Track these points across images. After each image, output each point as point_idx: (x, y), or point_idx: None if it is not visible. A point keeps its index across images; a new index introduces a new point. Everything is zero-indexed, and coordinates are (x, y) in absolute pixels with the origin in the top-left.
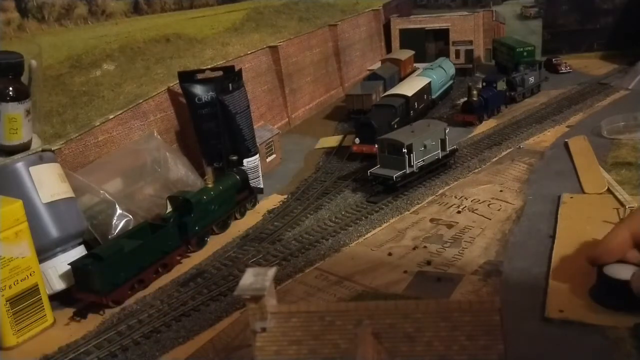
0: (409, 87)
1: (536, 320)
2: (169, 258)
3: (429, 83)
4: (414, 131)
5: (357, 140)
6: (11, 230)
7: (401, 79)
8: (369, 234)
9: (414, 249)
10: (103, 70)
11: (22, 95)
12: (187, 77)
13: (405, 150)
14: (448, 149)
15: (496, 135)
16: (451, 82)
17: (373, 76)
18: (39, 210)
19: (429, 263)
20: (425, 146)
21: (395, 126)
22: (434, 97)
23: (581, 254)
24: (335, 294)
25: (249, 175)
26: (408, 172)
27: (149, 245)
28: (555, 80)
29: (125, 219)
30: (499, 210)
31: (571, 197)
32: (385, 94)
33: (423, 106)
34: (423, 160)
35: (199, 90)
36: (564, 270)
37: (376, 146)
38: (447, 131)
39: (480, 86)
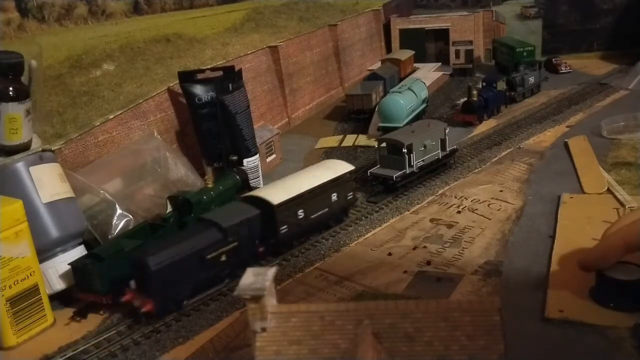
0: (299, 183)
1: (536, 320)
2: None
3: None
4: (414, 131)
5: (132, 284)
6: (11, 230)
7: (401, 79)
8: (369, 234)
9: (414, 249)
10: (103, 70)
11: (22, 95)
12: (187, 77)
13: (405, 150)
14: (448, 149)
15: (496, 135)
16: (424, 106)
17: (373, 76)
18: (39, 210)
19: (429, 263)
20: (425, 146)
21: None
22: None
23: (581, 254)
24: (335, 294)
25: (249, 175)
26: (408, 172)
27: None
28: (555, 80)
29: (125, 219)
30: (499, 210)
31: (571, 197)
32: (242, 196)
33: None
34: (423, 160)
35: (199, 90)
36: (564, 270)
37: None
38: (447, 131)
39: (480, 86)
